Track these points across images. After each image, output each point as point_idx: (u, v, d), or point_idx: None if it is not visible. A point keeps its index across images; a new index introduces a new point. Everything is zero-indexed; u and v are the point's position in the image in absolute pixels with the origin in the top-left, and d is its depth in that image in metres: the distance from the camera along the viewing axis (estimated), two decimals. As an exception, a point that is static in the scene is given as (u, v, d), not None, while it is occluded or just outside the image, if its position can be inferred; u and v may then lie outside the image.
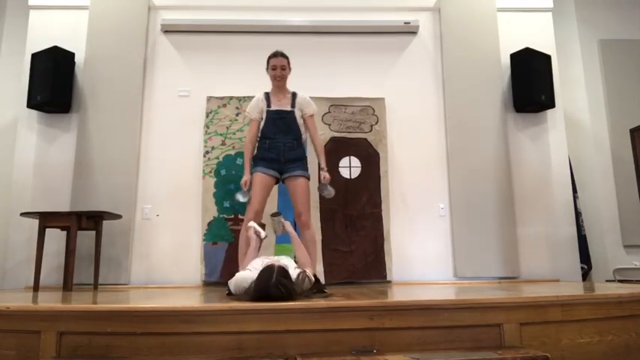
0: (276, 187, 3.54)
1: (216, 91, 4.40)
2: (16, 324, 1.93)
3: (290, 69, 3.29)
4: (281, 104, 3.25)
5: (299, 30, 4.53)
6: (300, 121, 3.26)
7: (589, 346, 2.10)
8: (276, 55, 3.24)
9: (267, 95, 3.31)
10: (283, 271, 2.27)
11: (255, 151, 3.33)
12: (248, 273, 2.42)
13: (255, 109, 3.30)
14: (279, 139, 3.17)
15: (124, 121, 4.25)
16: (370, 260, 4.15)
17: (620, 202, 4.76)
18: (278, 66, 3.22)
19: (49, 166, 4.19)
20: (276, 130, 3.18)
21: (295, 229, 3.07)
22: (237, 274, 2.51)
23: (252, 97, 3.30)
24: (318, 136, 3.38)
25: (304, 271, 2.45)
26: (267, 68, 3.27)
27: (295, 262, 2.70)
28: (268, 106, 3.25)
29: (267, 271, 2.25)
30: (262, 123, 3.25)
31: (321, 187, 3.30)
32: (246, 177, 3.26)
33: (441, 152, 4.42)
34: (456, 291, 2.87)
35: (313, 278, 2.58)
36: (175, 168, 4.28)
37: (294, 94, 3.31)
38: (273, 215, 2.98)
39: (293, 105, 3.26)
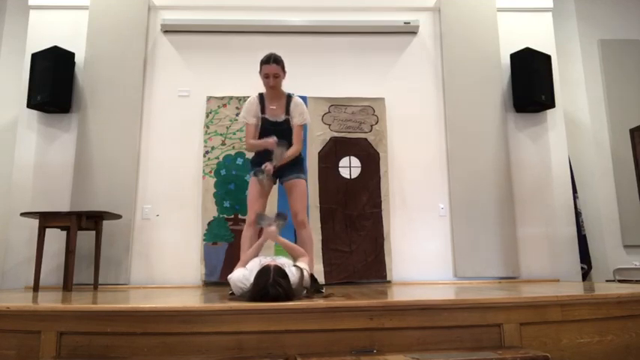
0: (275, 188, 3.54)
1: (216, 91, 4.40)
2: (16, 324, 1.93)
3: (285, 73, 3.13)
4: (275, 113, 3.13)
5: (299, 30, 4.53)
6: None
7: (589, 346, 2.10)
8: (269, 61, 3.03)
9: (261, 98, 3.18)
10: (280, 271, 2.27)
11: (253, 155, 3.29)
12: (245, 273, 2.42)
13: (250, 114, 3.15)
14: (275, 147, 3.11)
15: (124, 121, 4.25)
16: (370, 260, 4.15)
17: (620, 202, 4.76)
18: (270, 74, 3.03)
19: (49, 166, 4.19)
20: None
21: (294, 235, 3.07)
22: (234, 272, 2.50)
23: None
24: (299, 145, 3.16)
25: (301, 269, 2.44)
26: (259, 72, 3.11)
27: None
28: (263, 111, 3.14)
29: (265, 272, 2.26)
30: (258, 127, 3.15)
31: (257, 171, 3.07)
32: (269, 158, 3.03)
33: (441, 152, 4.42)
34: (456, 291, 2.87)
35: (309, 271, 2.56)
36: (175, 168, 4.28)
37: (288, 99, 3.17)
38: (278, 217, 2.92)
39: (287, 112, 3.15)
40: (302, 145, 3.22)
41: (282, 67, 3.10)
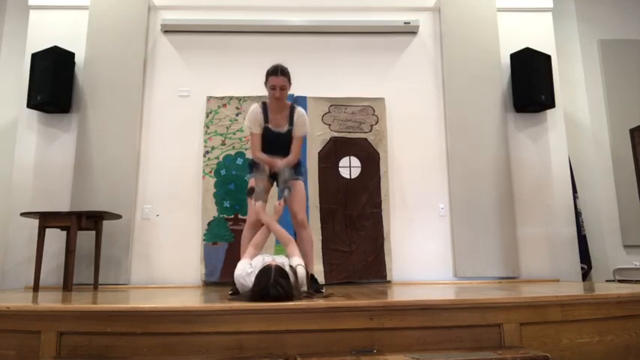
0: (274, 191, 3.53)
1: (216, 91, 4.40)
2: (16, 324, 1.93)
3: (290, 84, 3.10)
4: (279, 124, 3.13)
5: (299, 30, 4.53)
6: None
7: (589, 346, 2.10)
8: (276, 72, 3.00)
9: (264, 108, 3.14)
10: (281, 271, 2.27)
11: (252, 159, 3.29)
12: (247, 268, 2.40)
13: (256, 125, 3.12)
14: (275, 156, 3.12)
15: (124, 121, 4.25)
16: (370, 260, 4.15)
17: (620, 202, 4.76)
18: (277, 86, 3.00)
19: (49, 166, 4.19)
20: (273, 148, 3.11)
21: (292, 232, 3.06)
22: (238, 265, 2.49)
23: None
24: (296, 156, 3.15)
25: (294, 268, 2.41)
26: (265, 82, 3.08)
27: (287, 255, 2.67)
28: (266, 121, 3.13)
29: (266, 271, 2.25)
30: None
31: (254, 168, 3.13)
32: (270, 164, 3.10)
33: (441, 152, 4.43)
34: (456, 291, 2.87)
35: (303, 266, 2.55)
36: (175, 168, 4.28)
37: (292, 110, 3.15)
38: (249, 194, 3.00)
39: (291, 123, 3.14)
40: (299, 157, 3.22)
41: (289, 79, 3.07)
